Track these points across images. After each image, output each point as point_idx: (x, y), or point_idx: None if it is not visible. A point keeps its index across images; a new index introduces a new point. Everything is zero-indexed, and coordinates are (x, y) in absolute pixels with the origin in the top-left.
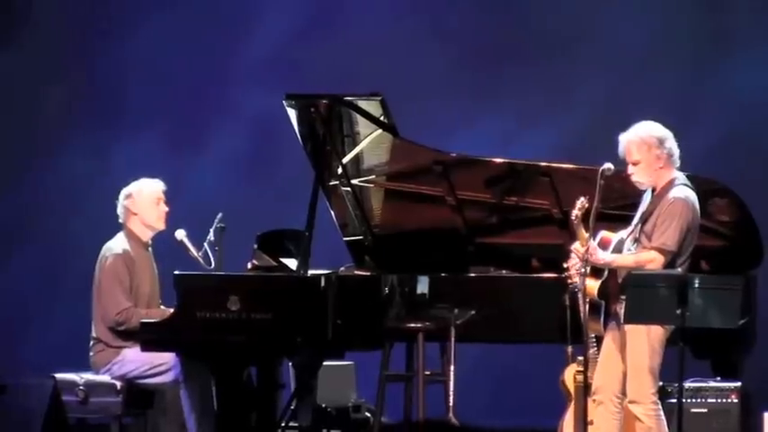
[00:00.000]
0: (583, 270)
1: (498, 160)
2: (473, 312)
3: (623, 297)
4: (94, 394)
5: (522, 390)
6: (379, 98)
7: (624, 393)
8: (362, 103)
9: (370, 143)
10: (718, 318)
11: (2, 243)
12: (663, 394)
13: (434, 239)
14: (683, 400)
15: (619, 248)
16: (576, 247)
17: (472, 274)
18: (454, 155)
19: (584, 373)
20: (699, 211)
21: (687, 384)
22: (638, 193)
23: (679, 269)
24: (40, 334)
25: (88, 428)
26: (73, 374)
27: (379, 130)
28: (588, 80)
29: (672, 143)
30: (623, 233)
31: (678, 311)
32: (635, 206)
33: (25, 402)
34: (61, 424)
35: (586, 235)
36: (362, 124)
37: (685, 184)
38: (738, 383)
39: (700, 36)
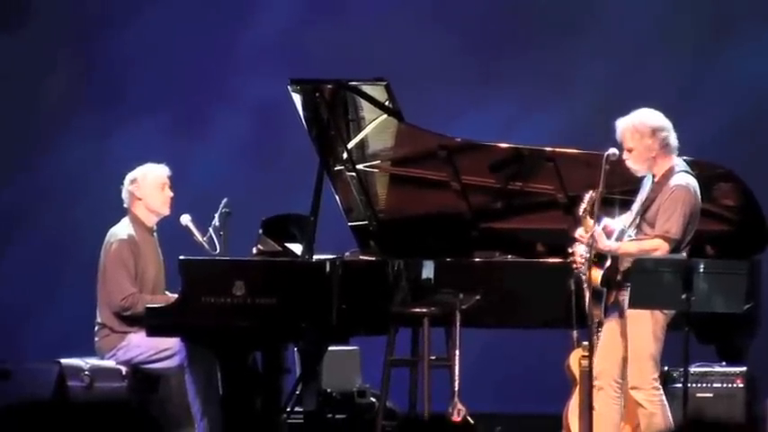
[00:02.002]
0: (588, 256)
1: (503, 145)
2: (478, 297)
3: (627, 284)
4: (100, 379)
5: (526, 375)
6: (385, 83)
7: (624, 378)
8: (367, 88)
9: (375, 128)
10: (723, 302)
11: (4, 229)
12: (668, 379)
13: (439, 224)
14: (689, 385)
15: (621, 237)
16: (581, 233)
17: (477, 259)
18: (459, 140)
19: (590, 357)
20: (700, 197)
21: (692, 369)
22: (641, 179)
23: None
24: (46, 319)
25: (93, 413)
26: (78, 360)
27: (384, 115)
28: (592, 66)
29: (667, 133)
30: (626, 222)
31: (683, 296)
32: (638, 191)
33: (30, 388)
34: (66, 409)
35: (591, 222)
36: (367, 109)
37: (686, 171)
38: (744, 368)
39: (702, 22)
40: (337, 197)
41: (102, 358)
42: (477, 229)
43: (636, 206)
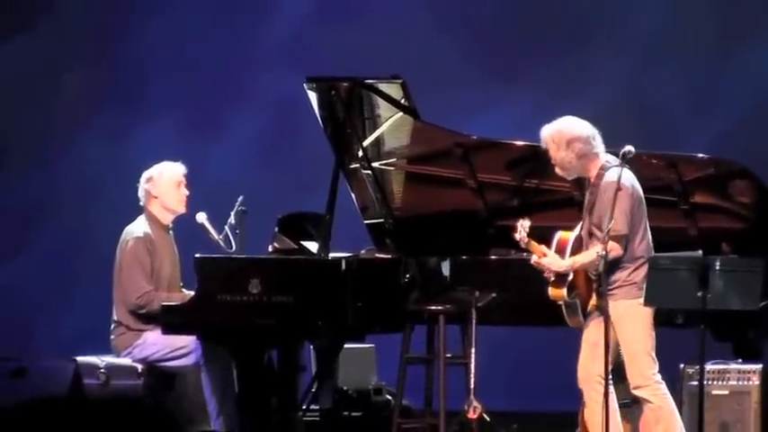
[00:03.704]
0: (549, 278)
1: (519, 143)
2: (494, 295)
3: (604, 289)
4: (116, 377)
5: (542, 372)
6: (400, 81)
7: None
8: (383, 86)
9: (390, 126)
10: (739, 300)
11: (21, 227)
12: (684, 377)
13: (455, 222)
14: (705, 383)
15: (578, 245)
16: (535, 259)
17: (493, 257)
18: (475, 138)
19: (606, 355)
20: (637, 186)
21: (708, 367)
22: (656, 177)
23: (641, 248)
24: (62, 317)
25: (109, 411)
26: (94, 357)
27: (400, 113)
28: (607, 64)
29: (582, 144)
30: (577, 230)
31: (699, 294)
32: (654, 189)
33: (46, 385)
34: (82, 407)
35: (539, 246)
36: (383, 107)
37: (616, 166)
38: (760, 366)
39: (718, 20)
40: (353, 195)
41: (118, 356)
42: (493, 227)
43: (584, 213)
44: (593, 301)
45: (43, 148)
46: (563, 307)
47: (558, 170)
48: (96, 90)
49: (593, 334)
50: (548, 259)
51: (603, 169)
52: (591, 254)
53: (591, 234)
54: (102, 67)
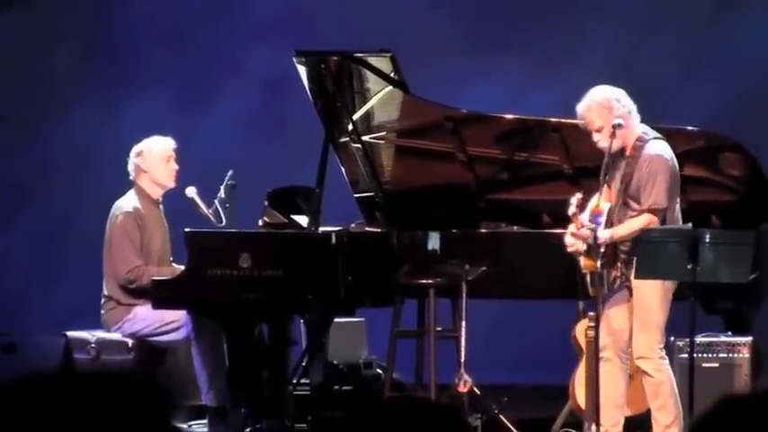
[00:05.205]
0: (580, 247)
1: (509, 116)
2: (484, 268)
3: (633, 258)
4: (106, 352)
5: (533, 346)
6: (390, 54)
7: (630, 348)
8: (373, 60)
9: (380, 100)
10: (729, 272)
11: (12, 201)
12: (674, 350)
13: (445, 196)
14: (695, 355)
15: (611, 217)
16: (573, 230)
17: (483, 231)
18: (465, 111)
19: (596, 328)
20: (675, 158)
21: (698, 339)
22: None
23: (675, 218)
24: (52, 292)
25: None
26: (84, 332)
27: (390, 87)
28: (600, 35)
29: (627, 100)
30: (596, 198)
31: (689, 266)
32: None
33: (36, 361)
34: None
35: (579, 218)
36: (373, 81)
37: (655, 138)
38: (749, 338)
39: None
40: (343, 169)
41: (109, 331)
42: (483, 200)
43: (615, 183)
44: (618, 271)
45: (34, 122)
46: (587, 276)
47: (605, 142)
48: (87, 65)
49: (614, 304)
50: (586, 230)
51: (641, 141)
52: (630, 226)
53: (626, 205)
54: (92, 42)
